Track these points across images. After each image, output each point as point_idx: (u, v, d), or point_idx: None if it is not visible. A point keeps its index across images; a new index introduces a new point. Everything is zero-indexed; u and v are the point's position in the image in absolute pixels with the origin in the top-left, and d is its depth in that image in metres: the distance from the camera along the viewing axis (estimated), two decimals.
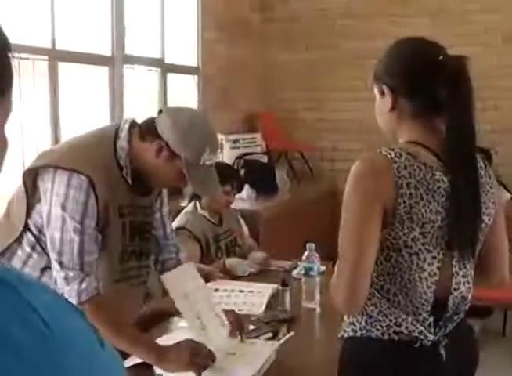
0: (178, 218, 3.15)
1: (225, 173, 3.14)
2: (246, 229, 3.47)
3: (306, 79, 6.22)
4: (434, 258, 1.43)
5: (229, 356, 1.89)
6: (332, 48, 6.05)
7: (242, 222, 3.45)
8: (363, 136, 5.52)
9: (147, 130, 1.83)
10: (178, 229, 3.06)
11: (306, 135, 6.23)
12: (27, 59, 3.51)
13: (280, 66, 6.28)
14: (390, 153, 1.40)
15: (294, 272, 2.89)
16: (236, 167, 4.97)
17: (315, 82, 6.18)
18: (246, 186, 4.83)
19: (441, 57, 1.43)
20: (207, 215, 3.17)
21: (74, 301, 1.71)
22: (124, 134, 1.83)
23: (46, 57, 3.64)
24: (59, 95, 3.72)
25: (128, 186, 1.86)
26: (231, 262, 3.02)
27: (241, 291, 2.65)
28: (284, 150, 6.03)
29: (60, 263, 1.74)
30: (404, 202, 1.37)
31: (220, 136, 5.05)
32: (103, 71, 4.21)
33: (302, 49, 6.22)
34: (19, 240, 1.87)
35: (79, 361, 0.51)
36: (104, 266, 1.84)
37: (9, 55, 0.63)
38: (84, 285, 1.73)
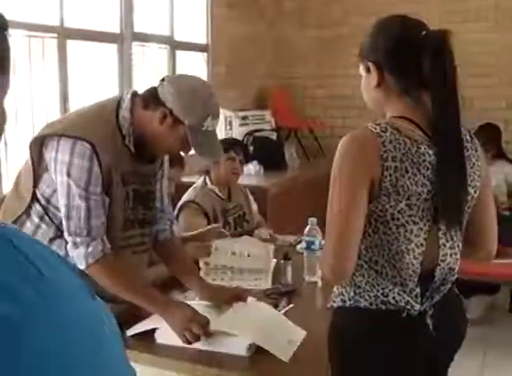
0: (187, 193, 3.20)
1: (227, 142, 3.25)
2: (255, 206, 3.51)
3: (317, 56, 6.21)
4: (421, 229, 1.46)
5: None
6: (344, 25, 6.02)
7: (251, 198, 3.49)
8: (373, 113, 5.52)
9: (150, 98, 1.89)
10: (187, 202, 3.12)
11: (317, 112, 6.24)
12: (37, 37, 3.56)
13: (291, 42, 6.26)
14: (375, 128, 1.44)
15: (298, 247, 2.93)
16: (245, 143, 5.00)
17: (326, 59, 6.17)
18: (255, 162, 4.87)
19: (423, 33, 1.46)
20: (216, 190, 3.21)
21: (83, 264, 1.82)
22: (126, 104, 1.89)
23: (55, 35, 3.68)
24: (68, 73, 3.77)
25: (130, 154, 1.92)
26: None
27: (241, 254, 2.71)
28: (293, 127, 6.05)
29: (68, 228, 1.84)
30: (390, 175, 1.41)
31: (229, 113, 5.08)
32: (112, 49, 4.25)
33: (314, 26, 6.20)
34: (27, 212, 1.94)
35: (70, 303, 0.56)
36: (107, 233, 1.90)
37: (6, 33, 0.67)
38: (90, 249, 1.82)
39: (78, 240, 1.83)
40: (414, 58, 1.45)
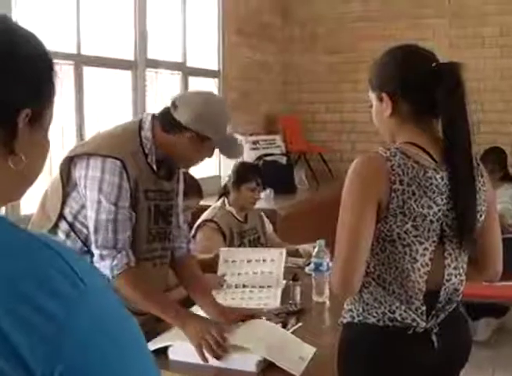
0: (206, 212, 3.31)
1: (250, 171, 3.33)
2: (270, 227, 3.58)
3: (326, 81, 6.31)
4: (426, 249, 1.53)
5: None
6: (352, 51, 6.13)
7: (266, 221, 3.56)
8: (381, 137, 5.58)
9: (169, 123, 2.01)
10: (206, 221, 3.21)
11: (326, 136, 6.32)
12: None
13: (301, 68, 6.37)
14: (385, 153, 1.51)
15: (307, 269, 2.99)
16: None
17: (335, 84, 6.27)
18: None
19: (435, 63, 1.54)
20: (234, 211, 3.31)
21: (108, 276, 1.91)
22: (147, 125, 2.02)
23: (72, 62, 3.79)
24: (84, 99, 3.88)
25: (152, 171, 2.03)
26: None
27: (249, 261, 2.79)
28: (303, 151, 6.13)
29: (96, 241, 1.94)
30: (397, 197, 1.48)
31: (240, 137, 5.17)
32: (126, 75, 4.36)
33: (322, 52, 6.31)
34: (54, 230, 2.03)
35: (105, 304, 0.69)
36: (133, 246, 2.00)
37: (54, 72, 0.79)
38: (115, 261, 1.92)
39: (105, 252, 1.92)
40: (427, 88, 1.53)
